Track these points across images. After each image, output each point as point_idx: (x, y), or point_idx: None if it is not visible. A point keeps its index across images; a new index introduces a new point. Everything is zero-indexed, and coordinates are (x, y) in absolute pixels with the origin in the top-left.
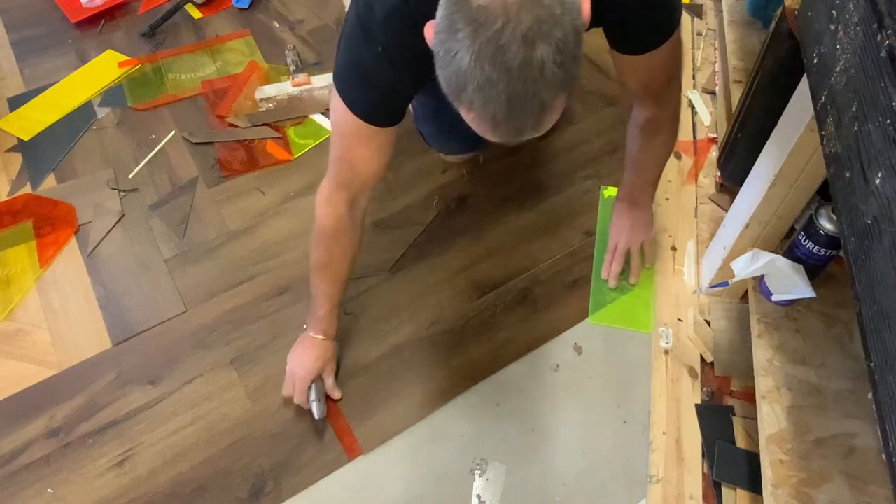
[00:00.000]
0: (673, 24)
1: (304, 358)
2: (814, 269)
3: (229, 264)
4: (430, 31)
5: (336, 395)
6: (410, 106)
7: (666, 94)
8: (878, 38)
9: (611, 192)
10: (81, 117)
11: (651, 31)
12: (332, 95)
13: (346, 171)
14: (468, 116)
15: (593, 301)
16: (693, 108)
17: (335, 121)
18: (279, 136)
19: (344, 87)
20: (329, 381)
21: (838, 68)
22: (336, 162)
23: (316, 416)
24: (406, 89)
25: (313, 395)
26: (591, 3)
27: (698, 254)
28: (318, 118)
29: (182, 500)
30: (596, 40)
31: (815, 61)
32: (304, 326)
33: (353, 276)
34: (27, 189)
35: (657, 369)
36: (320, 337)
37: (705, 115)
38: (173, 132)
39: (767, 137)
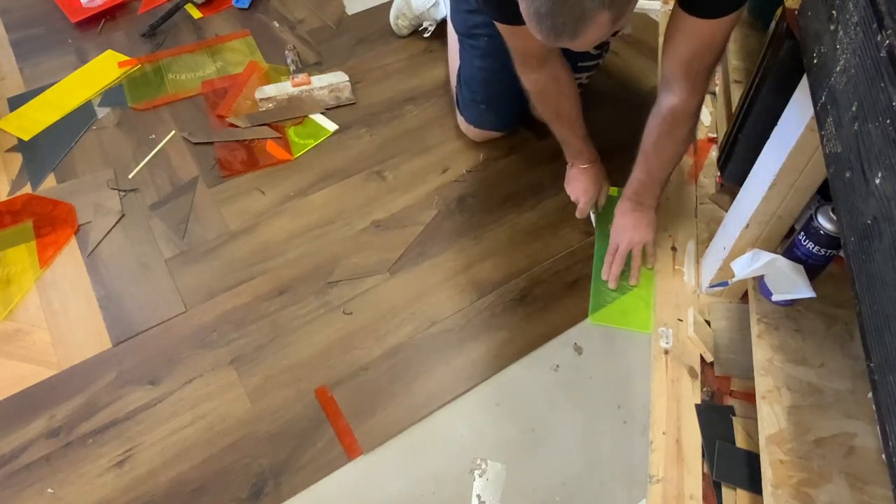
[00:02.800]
0: None
1: (583, 185)
2: (814, 269)
3: (229, 264)
4: None
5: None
6: (457, 68)
7: (701, 78)
8: (878, 38)
9: (611, 191)
10: (81, 117)
11: None
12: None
13: (519, 55)
14: (522, 5)
15: (593, 301)
16: None
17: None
18: (279, 136)
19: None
20: (602, 200)
21: (838, 68)
22: (512, 50)
23: (595, 225)
24: None
25: (593, 211)
26: None
27: (698, 254)
28: (318, 118)
29: (182, 500)
30: None
31: (815, 61)
32: (569, 164)
33: (352, 276)
34: (27, 189)
35: (657, 369)
36: (587, 165)
37: (705, 115)
38: (173, 132)
39: (767, 137)
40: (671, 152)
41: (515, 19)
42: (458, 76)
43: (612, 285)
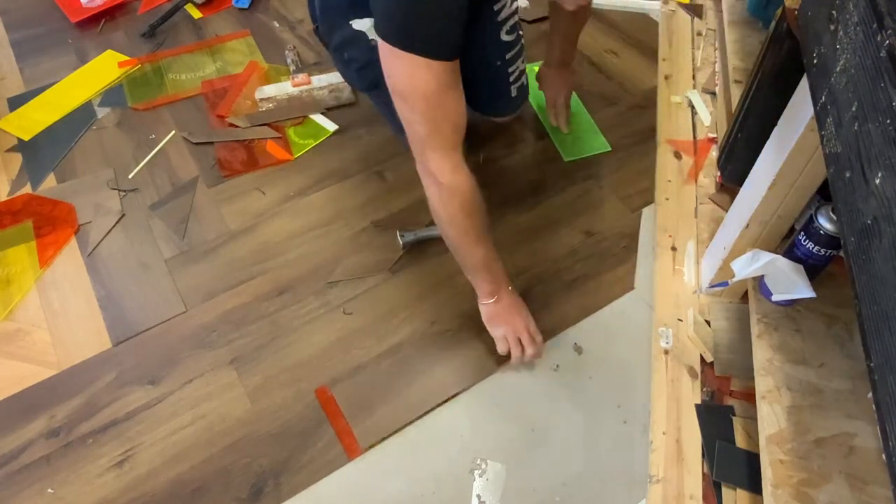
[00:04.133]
0: None
1: (521, 311)
2: (814, 269)
3: (229, 264)
4: None
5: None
6: (389, 116)
7: None
8: (878, 38)
9: (535, 67)
10: (81, 117)
11: None
12: (392, 67)
13: (449, 131)
14: None
15: (561, 148)
16: (693, 108)
17: (411, 91)
18: (279, 136)
19: (408, 38)
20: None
21: (838, 68)
22: (435, 130)
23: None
24: (460, 7)
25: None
26: None
27: (698, 254)
28: (318, 118)
29: (182, 500)
30: (597, 41)
31: (815, 61)
32: (490, 299)
33: (352, 276)
34: (27, 189)
35: (657, 369)
36: (511, 287)
37: (705, 115)
38: (173, 132)
39: (767, 137)
40: (581, 22)
41: (455, 49)
42: (394, 125)
43: (565, 129)
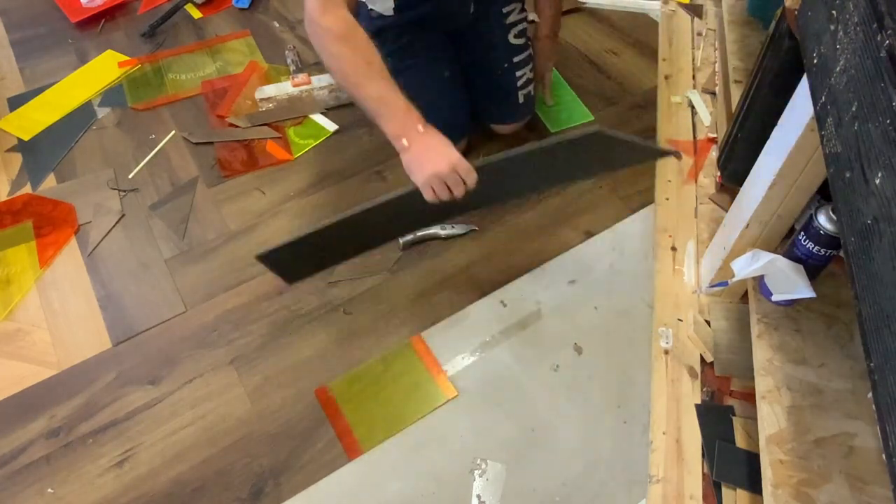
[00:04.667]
0: None
1: (440, 150)
2: (814, 269)
3: (229, 264)
4: None
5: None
6: None
7: None
8: (878, 38)
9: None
10: (81, 117)
11: None
12: None
13: None
14: None
15: (546, 120)
16: (693, 108)
17: None
18: (279, 136)
19: None
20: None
21: (838, 68)
22: None
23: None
24: None
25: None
26: None
27: (698, 254)
28: (318, 118)
29: (182, 500)
30: (597, 41)
31: (815, 61)
32: (403, 142)
33: (353, 276)
34: (27, 189)
35: (657, 369)
36: (420, 128)
37: (705, 115)
38: (173, 132)
39: (767, 137)
40: None
41: None
42: None
43: (550, 101)
